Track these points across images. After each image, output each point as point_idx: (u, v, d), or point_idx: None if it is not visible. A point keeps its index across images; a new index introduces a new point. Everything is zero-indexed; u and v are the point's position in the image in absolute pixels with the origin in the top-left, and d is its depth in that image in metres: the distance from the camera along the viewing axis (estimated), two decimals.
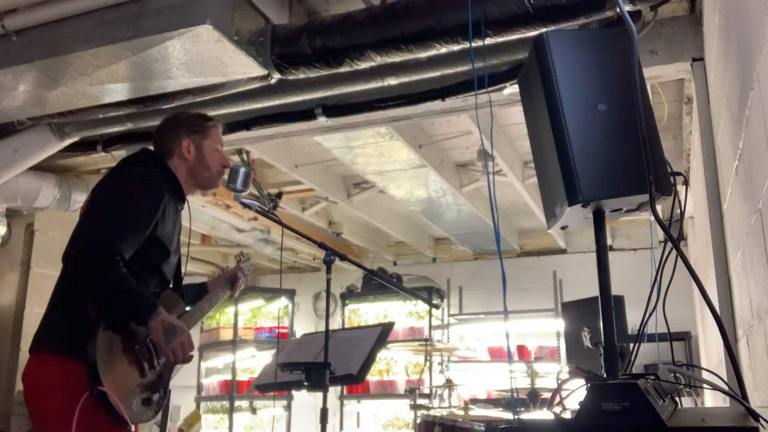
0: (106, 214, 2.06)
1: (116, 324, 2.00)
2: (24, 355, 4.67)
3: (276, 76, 2.99)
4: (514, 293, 6.49)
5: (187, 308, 2.38)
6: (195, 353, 2.35)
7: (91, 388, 1.88)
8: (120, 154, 3.99)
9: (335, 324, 6.88)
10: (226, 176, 2.34)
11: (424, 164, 4.78)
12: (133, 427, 2.01)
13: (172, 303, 2.25)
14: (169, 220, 2.19)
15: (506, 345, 7.23)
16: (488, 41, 2.57)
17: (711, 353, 4.32)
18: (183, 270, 2.37)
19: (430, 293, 6.69)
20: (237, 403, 6.11)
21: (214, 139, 2.37)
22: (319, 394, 2.30)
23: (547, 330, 6.56)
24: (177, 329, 2.03)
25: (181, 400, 6.76)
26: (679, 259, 1.57)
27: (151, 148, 2.35)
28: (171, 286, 2.31)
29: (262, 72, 2.94)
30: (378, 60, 2.77)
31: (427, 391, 5.90)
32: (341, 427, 6.69)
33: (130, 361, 2.02)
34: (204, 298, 2.49)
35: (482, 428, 2.81)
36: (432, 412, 3.63)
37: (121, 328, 2.01)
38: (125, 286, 1.97)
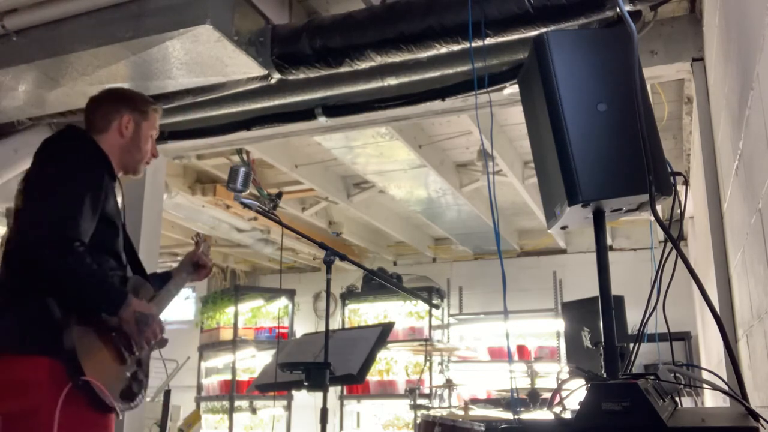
0: (54, 198, 1.90)
1: (86, 314, 1.92)
2: None
3: (276, 76, 2.98)
4: (514, 293, 6.49)
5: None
6: (195, 353, 2.34)
7: (73, 379, 1.80)
8: None
9: (335, 324, 6.87)
10: (226, 176, 2.34)
11: (424, 164, 4.79)
12: (121, 416, 1.96)
13: (140, 289, 2.19)
14: (111, 195, 2.10)
15: (506, 345, 7.23)
16: (488, 41, 2.57)
17: (711, 353, 4.32)
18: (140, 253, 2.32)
19: (430, 293, 6.69)
20: (237, 403, 6.12)
21: (152, 124, 2.29)
22: (319, 394, 2.30)
23: (547, 330, 6.56)
24: (149, 317, 2.00)
25: (181, 400, 6.76)
26: (679, 259, 1.57)
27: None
28: (127, 266, 2.22)
29: (262, 72, 2.94)
30: (378, 60, 2.77)
31: (427, 391, 5.90)
32: (341, 427, 6.69)
33: (108, 350, 1.96)
34: (171, 281, 2.40)
35: (482, 428, 2.81)
36: (432, 412, 3.62)
37: (92, 318, 1.93)
38: (93, 275, 1.88)
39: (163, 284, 2.40)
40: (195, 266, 2.52)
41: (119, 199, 2.22)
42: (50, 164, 2.02)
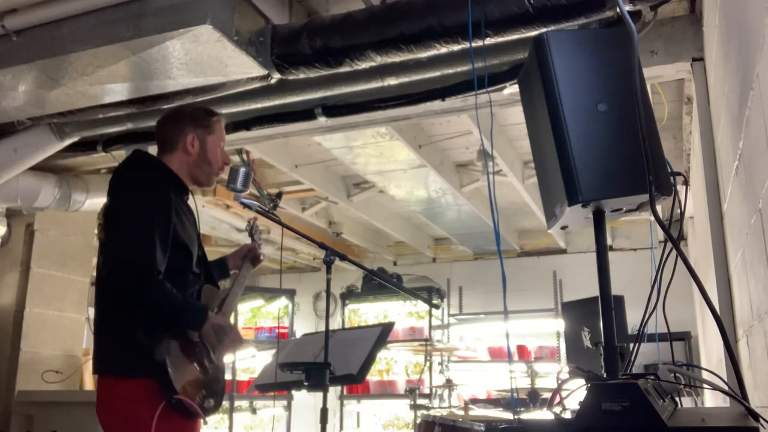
0: (131, 235, 2.07)
1: (172, 334, 2.10)
2: (24, 355, 4.69)
3: (276, 76, 2.98)
4: (514, 293, 6.49)
5: (221, 291, 2.44)
6: None
7: (167, 397, 1.99)
8: (120, 154, 3.99)
9: (335, 324, 6.87)
10: (226, 176, 2.35)
11: (424, 164, 4.78)
12: (206, 421, 2.16)
13: (212, 297, 2.32)
14: (183, 217, 2.20)
15: (506, 345, 7.23)
16: (488, 41, 2.57)
17: (711, 353, 4.32)
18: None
19: (430, 293, 6.69)
20: (237, 403, 6.11)
21: (218, 135, 2.35)
22: (319, 394, 2.30)
23: (547, 330, 6.56)
24: (225, 328, 2.17)
25: None
26: (679, 259, 1.57)
27: (147, 147, 2.35)
28: (202, 274, 2.33)
29: (262, 72, 2.94)
30: (378, 60, 2.77)
31: (427, 391, 5.90)
32: (341, 427, 6.69)
33: (193, 362, 2.13)
34: (235, 282, 2.52)
35: (482, 428, 2.81)
36: (432, 412, 3.62)
37: (177, 336, 2.11)
38: (175, 302, 2.05)
39: (220, 273, 2.53)
40: (253, 259, 2.61)
41: (192, 206, 2.34)
42: (122, 200, 2.17)
